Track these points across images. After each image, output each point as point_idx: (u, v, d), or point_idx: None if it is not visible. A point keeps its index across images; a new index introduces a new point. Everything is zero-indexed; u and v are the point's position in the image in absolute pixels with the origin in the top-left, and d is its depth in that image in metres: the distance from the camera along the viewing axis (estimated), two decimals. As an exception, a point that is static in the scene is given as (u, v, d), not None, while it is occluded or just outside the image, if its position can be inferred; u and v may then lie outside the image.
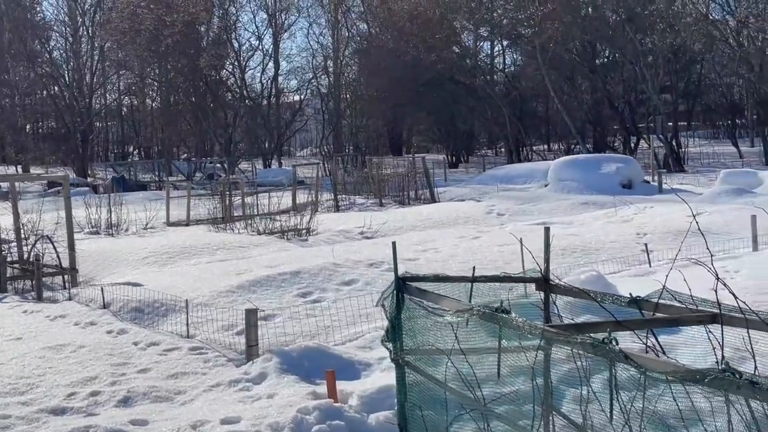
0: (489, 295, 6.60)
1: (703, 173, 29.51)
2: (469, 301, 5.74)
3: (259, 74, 49.68)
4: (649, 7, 34.82)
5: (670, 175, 29.10)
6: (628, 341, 5.62)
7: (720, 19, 38.30)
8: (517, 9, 39.34)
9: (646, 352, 5.00)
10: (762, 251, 11.68)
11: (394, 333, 5.39)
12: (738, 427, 4.20)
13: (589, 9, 39.22)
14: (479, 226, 16.46)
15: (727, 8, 38.51)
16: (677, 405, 4.35)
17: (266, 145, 47.07)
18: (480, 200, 21.92)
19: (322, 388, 6.45)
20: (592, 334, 4.55)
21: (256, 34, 50.22)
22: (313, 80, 49.58)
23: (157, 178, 38.33)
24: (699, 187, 23.98)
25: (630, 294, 5.41)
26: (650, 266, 10.99)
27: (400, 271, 5.64)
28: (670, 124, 37.71)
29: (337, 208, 23.29)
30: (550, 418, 5.27)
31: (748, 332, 4.70)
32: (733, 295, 4.68)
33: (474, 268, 5.91)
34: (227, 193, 20.22)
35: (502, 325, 4.60)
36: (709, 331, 4.88)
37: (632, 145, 40.54)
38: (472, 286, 5.78)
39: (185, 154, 50.22)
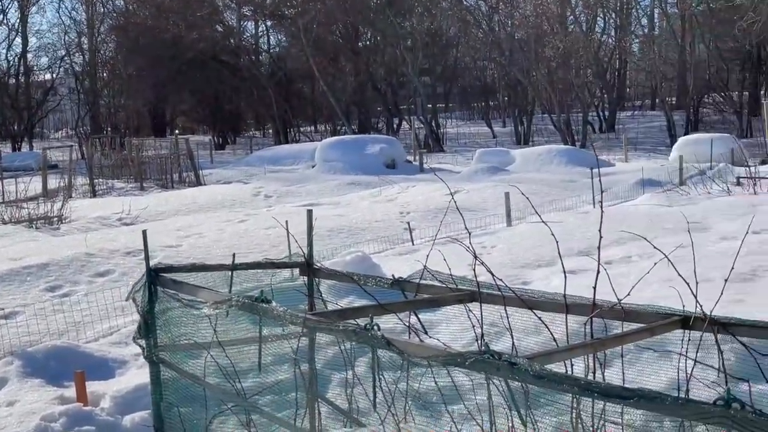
0: (255, 281, 6.35)
1: (460, 153, 30.85)
2: (230, 291, 5.46)
3: (4, 51, 46.15)
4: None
5: (431, 155, 30.18)
6: (391, 322, 5.59)
7: (473, 4, 40.20)
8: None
9: (409, 332, 4.96)
10: (515, 226, 12.26)
11: (147, 329, 4.99)
12: (498, 400, 4.26)
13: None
14: (246, 209, 16.12)
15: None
16: (436, 385, 4.33)
17: (15, 126, 43.82)
18: (247, 182, 21.54)
19: (71, 391, 5.90)
20: (355, 320, 4.43)
21: (0, 7, 46.41)
22: (66, 58, 46.74)
23: None
24: (457, 165, 25.01)
25: (393, 276, 5.36)
26: (413, 244, 11.21)
27: (160, 260, 5.24)
28: (430, 105, 39.11)
29: (93, 194, 21.99)
30: (315, 405, 5.12)
31: (505, 309, 4.77)
32: (491, 273, 4.72)
33: (234, 255, 5.64)
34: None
35: (262, 315, 4.36)
36: (469, 310, 4.92)
37: (395, 126, 41.68)
38: (232, 274, 5.49)
39: None
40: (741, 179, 15.49)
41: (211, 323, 4.64)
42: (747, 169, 16.23)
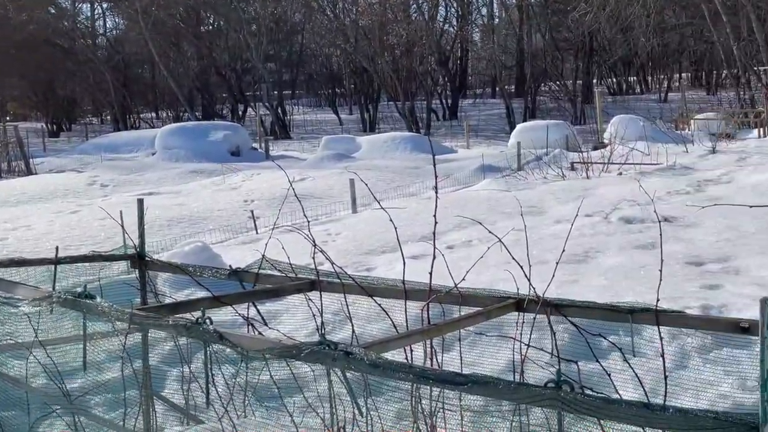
0: (88, 275, 6.00)
1: (307, 140, 30.71)
2: (53, 287, 5.12)
3: None
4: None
5: (277, 142, 29.89)
6: (230, 315, 5.41)
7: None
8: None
9: (247, 325, 4.81)
10: (361, 213, 12.27)
11: (-42, 331, 4.60)
12: (341, 389, 4.19)
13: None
14: (80, 199, 15.38)
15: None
16: (271, 378, 4.21)
17: None
18: (82, 171, 20.57)
19: None
20: (189, 314, 4.23)
21: None
22: None
23: None
24: (304, 153, 24.87)
25: (230, 266, 5.19)
26: (257, 233, 11.01)
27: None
28: (276, 92, 38.71)
29: None
30: (150, 403, 4.89)
31: (345, 297, 4.69)
32: (330, 261, 4.63)
33: (57, 248, 5.30)
34: None
35: (87, 311, 4.09)
36: (309, 299, 4.82)
37: (240, 112, 41.01)
38: (55, 268, 5.14)
39: None
40: (575, 164, 16.14)
41: (31, 322, 4.32)
42: (580, 154, 16.93)
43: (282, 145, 28.58)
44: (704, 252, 7.66)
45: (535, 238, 8.98)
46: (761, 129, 19.36)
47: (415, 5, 36.90)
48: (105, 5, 44.23)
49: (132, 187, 17.26)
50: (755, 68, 23.74)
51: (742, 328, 3.62)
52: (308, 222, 4.95)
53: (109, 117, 44.47)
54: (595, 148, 18.72)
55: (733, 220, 8.86)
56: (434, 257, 4.08)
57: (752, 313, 5.32)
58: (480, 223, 5.25)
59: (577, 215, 7.49)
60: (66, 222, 12.22)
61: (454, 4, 41.39)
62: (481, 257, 4.45)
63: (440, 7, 39.70)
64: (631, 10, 23.98)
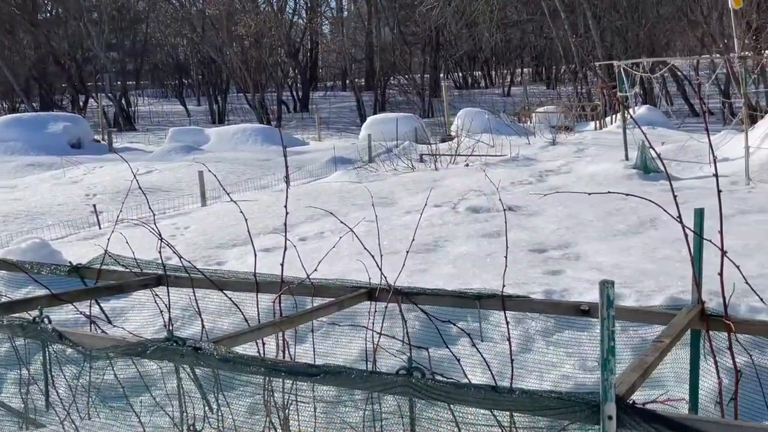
0: None
1: (153, 131, 29.82)
2: None
3: None
4: (90, -40, 33.85)
5: (121, 134, 28.89)
6: (72, 313, 5.17)
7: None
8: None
9: (90, 323, 4.61)
10: (210, 206, 12.03)
11: None
12: (191, 386, 4.08)
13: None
14: None
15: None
16: (116, 377, 4.06)
17: None
18: None
19: None
20: (26, 313, 4.01)
21: None
22: None
23: None
24: (150, 145, 24.13)
25: (70, 262, 4.96)
26: (100, 228, 10.58)
27: None
28: (119, 82, 37.39)
29: None
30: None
31: (194, 291, 4.58)
32: (178, 255, 4.50)
33: None
34: None
35: None
36: (157, 295, 4.68)
37: (81, 103, 39.34)
38: None
39: None
40: (424, 156, 16.43)
41: None
42: (429, 146, 17.26)
43: (126, 137, 27.62)
44: (546, 239, 7.96)
45: (386, 228, 9.07)
46: (597, 122, 20.35)
47: (263, -5, 36.53)
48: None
49: (-38, 183, 16.23)
50: (591, 63, 24.93)
51: (582, 311, 3.78)
52: (154, 216, 4.78)
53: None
54: (443, 141, 19.12)
55: (573, 209, 9.26)
56: (285, 248, 4.04)
57: (591, 296, 5.57)
58: (332, 214, 5.24)
59: (425, 205, 7.65)
60: None
61: (304, -5, 41.32)
62: (333, 248, 4.45)
63: (289, -1, 39.51)
64: (475, 6, 24.63)
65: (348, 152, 18.04)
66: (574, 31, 24.40)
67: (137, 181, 4.90)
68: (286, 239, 3.87)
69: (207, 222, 10.43)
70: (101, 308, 4.77)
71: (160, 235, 4.36)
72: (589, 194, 4.12)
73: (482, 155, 15.64)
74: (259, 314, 4.31)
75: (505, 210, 7.48)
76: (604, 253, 7.28)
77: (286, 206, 3.85)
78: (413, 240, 4.67)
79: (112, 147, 22.64)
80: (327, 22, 44.44)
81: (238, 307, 4.39)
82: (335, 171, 15.42)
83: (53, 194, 13.56)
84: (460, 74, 46.05)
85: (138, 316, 5.76)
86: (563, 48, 26.09)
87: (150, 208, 5.21)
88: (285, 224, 3.66)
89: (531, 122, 21.66)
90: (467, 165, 14.75)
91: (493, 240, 8.03)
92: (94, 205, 11.22)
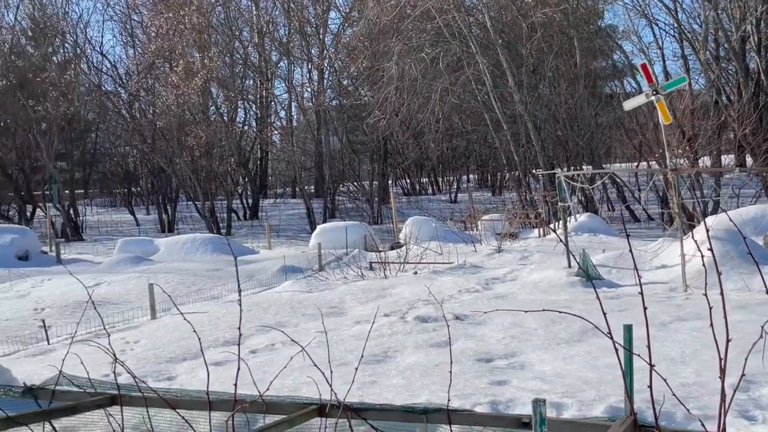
0: None
1: (101, 242, 29.70)
2: None
3: None
4: (41, 74, 34.19)
5: (69, 245, 28.69)
6: (22, 435, 5.18)
7: (113, 90, 39.47)
8: None
9: (43, 446, 4.64)
10: (159, 318, 12.03)
11: None
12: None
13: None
14: None
15: (119, 81, 39.86)
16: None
17: None
18: None
19: None
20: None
21: None
22: None
23: None
24: (99, 255, 24.01)
25: (24, 383, 5.02)
26: (49, 343, 10.51)
27: None
28: (67, 192, 37.34)
29: None
30: None
31: (147, 410, 4.67)
32: (132, 375, 4.60)
33: None
34: None
35: None
36: (110, 414, 4.74)
37: (28, 214, 39.07)
38: None
39: None
40: (373, 264, 16.68)
41: None
42: (378, 254, 17.53)
43: (75, 248, 27.43)
44: (493, 348, 8.17)
45: (336, 339, 9.21)
46: (541, 229, 20.92)
47: (213, 107, 37.17)
48: None
49: None
50: (533, 171, 25.75)
51: (523, 423, 3.97)
52: (108, 334, 4.89)
53: None
54: (392, 248, 19.44)
55: (518, 318, 9.51)
56: (239, 368, 4.17)
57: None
58: (283, 332, 5.40)
59: (375, 316, 7.84)
60: None
61: (254, 107, 42.10)
62: (284, 368, 4.59)
63: (239, 110, 40.24)
64: (421, 116, 25.46)
65: (298, 261, 18.22)
66: (517, 141, 25.30)
67: (89, 295, 5.03)
68: (239, 358, 4.02)
69: (157, 335, 10.44)
70: (54, 428, 4.81)
71: (114, 355, 4.47)
72: (526, 312, 4.36)
73: (430, 263, 15.95)
74: (212, 432, 4.41)
75: (448, 321, 7.69)
76: (548, 362, 7.50)
77: (240, 327, 4.02)
78: (362, 355, 4.84)
79: (60, 259, 22.49)
80: (276, 131, 45.22)
81: (192, 426, 4.47)
82: (285, 280, 15.54)
83: (0, 309, 13.43)
84: (408, 181, 46.95)
85: (89, 434, 5.78)
86: (506, 156, 26.95)
87: (104, 326, 5.30)
88: (238, 344, 3.82)
89: (477, 229, 22.16)
90: (416, 273, 15.02)
91: (441, 350, 8.21)
92: (43, 320, 11.17)
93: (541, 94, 26.29)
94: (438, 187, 48.24)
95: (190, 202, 37.65)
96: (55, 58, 38.47)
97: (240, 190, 41.02)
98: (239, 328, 3.91)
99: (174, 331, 10.54)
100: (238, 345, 3.77)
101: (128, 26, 43.15)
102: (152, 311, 12.24)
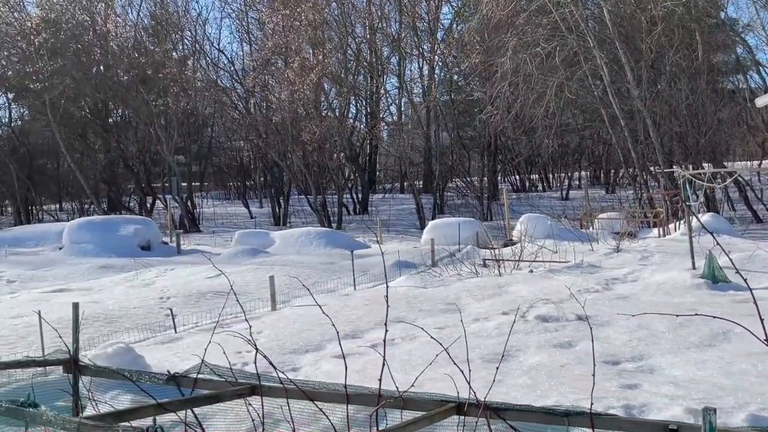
0: (7, 378, 5.87)
1: (218, 233, 30.53)
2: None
3: None
4: (162, 70, 35.37)
5: (187, 236, 29.61)
6: (166, 420, 5.37)
7: (230, 86, 40.52)
8: (24, 62, 37.18)
9: (185, 430, 4.80)
10: (280, 310, 12.27)
11: None
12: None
13: (101, 67, 38.66)
14: (-14, 296, 14.90)
15: (236, 77, 40.90)
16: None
17: None
18: (-15, 266, 19.94)
19: None
20: (134, 422, 4.23)
21: None
22: None
23: None
24: (216, 247, 24.69)
25: (168, 371, 5.19)
26: (176, 332, 10.87)
27: None
28: (185, 184, 38.55)
29: None
30: None
31: (288, 402, 4.75)
32: (274, 367, 4.71)
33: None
34: None
35: (30, 421, 4.05)
36: (249, 404, 4.86)
37: (148, 205, 40.55)
38: (-12, 375, 5.06)
39: None
40: (486, 261, 16.56)
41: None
42: (491, 251, 17.39)
43: (193, 239, 28.30)
44: (619, 351, 7.99)
45: (456, 336, 9.17)
46: (660, 228, 20.33)
47: (326, 103, 37.68)
48: (10, 95, 43.43)
49: (39, 283, 16.81)
50: (652, 170, 25.05)
51: (671, 431, 3.86)
52: (246, 320, 5.01)
53: (10, 209, 43.22)
54: (505, 245, 19.25)
55: (643, 319, 9.27)
56: (384, 363, 4.19)
57: (671, 413, 5.61)
58: (422, 329, 5.41)
59: (493, 316, 7.74)
60: (-26, 321, 11.83)
61: (364, 102, 42.45)
62: (430, 364, 4.59)
63: (351, 105, 40.65)
64: (535, 112, 25.12)
65: (411, 256, 18.27)
66: (634, 138, 24.65)
67: (232, 285, 5.15)
68: (384, 357, 4.03)
69: (279, 327, 10.64)
70: (195, 415, 4.97)
71: (255, 347, 4.56)
72: (677, 316, 4.23)
73: (546, 261, 15.72)
74: (349, 428, 4.45)
75: (570, 322, 7.56)
76: (679, 366, 7.28)
77: (386, 324, 4.04)
78: (501, 356, 4.79)
79: (180, 249, 23.25)
80: (386, 127, 45.52)
81: (329, 418, 4.53)
82: (399, 275, 15.58)
83: (128, 297, 13.98)
84: (518, 177, 46.46)
85: (225, 421, 5.95)
86: (622, 153, 26.30)
87: (243, 312, 5.42)
88: (384, 341, 3.83)
89: (593, 228, 21.73)
90: (531, 271, 14.83)
91: (565, 351, 8.08)
92: (171, 309, 11.56)
93: (660, 90, 25.53)
94: (548, 184, 47.56)
95: (301, 196, 38.29)
96: (174, 54, 39.72)
97: (350, 185, 41.45)
98: (386, 324, 3.92)
99: (295, 323, 10.73)
100: (384, 342, 3.79)
101: (244, 23, 44.25)
102: (273, 302, 12.50)
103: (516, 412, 4.23)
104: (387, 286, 4.17)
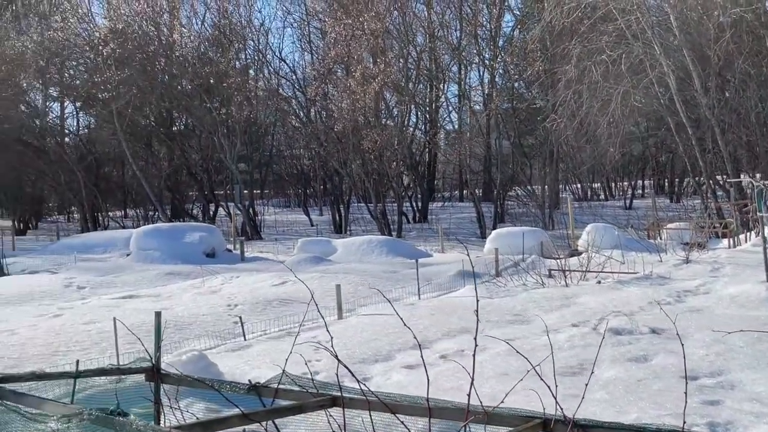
0: (86, 384, 5.96)
1: (280, 241, 30.77)
2: (72, 400, 5.11)
3: None
4: (225, 79, 35.86)
5: (250, 243, 29.91)
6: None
7: (291, 95, 40.89)
8: (92, 72, 38.04)
9: (270, 441, 4.82)
10: (347, 319, 12.29)
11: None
12: None
13: (166, 77, 39.35)
14: (59, 302, 15.21)
15: (297, 86, 41.26)
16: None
17: None
18: (56, 272, 20.39)
19: None
20: None
21: None
22: None
23: None
24: (278, 254, 24.88)
25: (249, 381, 5.23)
26: (245, 339, 10.96)
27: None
28: (247, 192, 39.00)
29: None
30: None
31: (370, 414, 4.74)
32: (355, 378, 4.70)
33: (78, 361, 5.30)
34: None
35: (120, 430, 4.09)
36: (330, 415, 4.86)
37: (211, 212, 41.11)
38: (75, 382, 5.15)
39: None
40: (552, 271, 16.37)
41: (57, 439, 4.30)
42: (558, 261, 17.18)
43: (255, 247, 28.58)
44: (696, 365, 7.81)
45: (527, 348, 9.07)
46: (731, 240, 19.87)
47: (386, 111, 37.75)
48: (78, 104, 44.48)
49: (109, 289, 17.13)
50: (721, 181, 24.53)
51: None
52: (327, 329, 5.01)
53: (77, 215, 44.24)
54: (571, 255, 19.00)
55: (720, 333, 9.05)
56: (473, 379, 4.15)
57: (759, 430, 5.45)
58: (507, 342, 5.34)
59: (563, 328, 7.61)
60: (49, 326, 12.07)
61: (425, 110, 42.42)
62: (520, 380, 4.52)
63: (411, 113, 40.66)
64: (600, 120, 24.78)
65: (474, 265, 18.14)
66: (702, 147, 24.17)
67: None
68: (474, 369, 3.99)
69: (346, 336, 10.65)
70: (276, 426, 4.99)
71: (337, 359, 4.56)
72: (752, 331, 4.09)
73: (614, 272, 15.47)
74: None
75: (644, 335, 7.41)
76: (761, 383, 7.09)
77: (476, 338, 3.99)
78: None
79: (244, 257, 23.49)
80: (446, 136, 45.42)
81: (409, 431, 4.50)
82: (463, 285, 15.50)
83: (197, 304, 14.15)
84: (579, 186, 45.90)
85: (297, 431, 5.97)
86: (690, 163, 25.79)
87: (323, 318, 5.43)
88: (474, 355, 3.79)
89: (661, 238, 21.33)
90: (599, 282, 14.62)
91: (641, 365, 7.93)
92: (240, 317, 11.67)
93: (728, 98, 24.98)
94: (610, 193, 46.91)
95: (361, 204, 38.39)
96: (237, 63, 40.25)
97: (409, 193, 41.44)
98: (475, 339, 3.88)
99: (362, 332, 10.73)
100: (474, 354, 3.75)
101: (306, 33, 44.65)
102: (339, 311, 12.53)
103: (605, 429, 4.14)
104: (476, 296, 4.13)
